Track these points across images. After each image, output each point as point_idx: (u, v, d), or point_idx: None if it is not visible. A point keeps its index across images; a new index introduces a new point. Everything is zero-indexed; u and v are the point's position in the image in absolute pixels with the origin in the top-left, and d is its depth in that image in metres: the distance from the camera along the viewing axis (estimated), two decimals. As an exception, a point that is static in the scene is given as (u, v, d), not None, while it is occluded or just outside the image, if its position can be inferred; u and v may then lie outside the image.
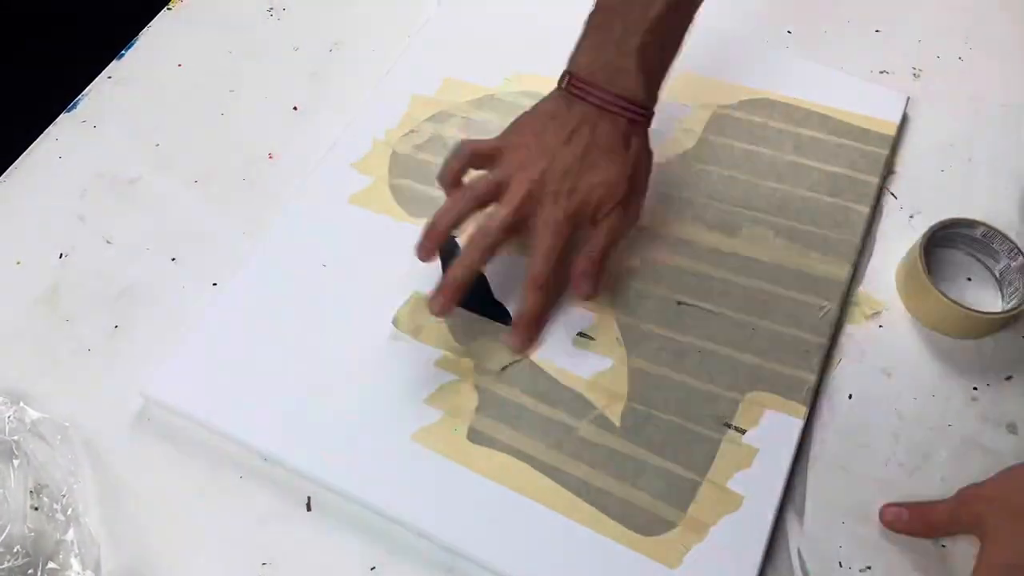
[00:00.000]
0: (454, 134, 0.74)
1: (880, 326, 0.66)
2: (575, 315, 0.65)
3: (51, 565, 0.57)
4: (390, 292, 0.67)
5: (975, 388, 0.63)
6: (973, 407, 0.63)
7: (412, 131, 0.74)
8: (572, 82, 0.63)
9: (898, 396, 0.63)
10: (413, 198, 0.71)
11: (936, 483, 0.60)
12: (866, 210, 0.69)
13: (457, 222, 0.62)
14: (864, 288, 0.67)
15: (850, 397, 0.63)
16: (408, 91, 0.77)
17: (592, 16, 0.63)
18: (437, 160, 0.72)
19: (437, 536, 0.58)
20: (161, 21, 0.84)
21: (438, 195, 0.71)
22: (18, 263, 0.71)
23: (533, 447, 0.60)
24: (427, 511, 0.58)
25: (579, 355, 0.64)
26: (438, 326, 0.65)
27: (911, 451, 0.61)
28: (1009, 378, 0.64)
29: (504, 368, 0.63)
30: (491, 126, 0.74)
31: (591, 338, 0.64)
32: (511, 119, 0.75)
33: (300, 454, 0.60)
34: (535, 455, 0.60)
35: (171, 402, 0.63)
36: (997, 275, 0.67)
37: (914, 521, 0.58)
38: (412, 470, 0.60)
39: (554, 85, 0.63)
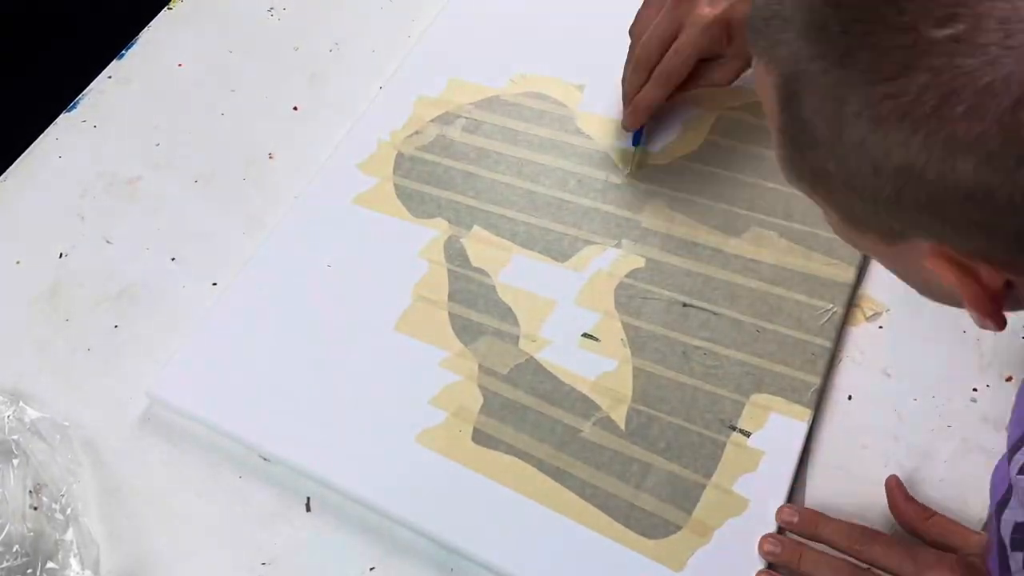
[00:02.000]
0: (459, 135, 0.74)
1: (880, 327, 0.66)
2: (580, 315, 0.65)
3: (50, 565, 0.57)
4: (394, 293, 0.67)
5: (975, 389, 0.64)
6: (973, 408, 0.63)
7: (417, 132, 0.75)
8: None
9: (898, 397, 0.63)
10: (418, 198, 0.71)
11: (935, 484, 0.60)
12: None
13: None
14: (865, 289, 0.68)
15: (850, 398, 0.63)
16: (413, 92, 0.77)
17: None
18: (442, 161, 0.73)
19: (441, 537, 0.58)
20: (161, 21, 0.84)
21: (443, 196, 0.71)
22: (18, 263, 0.71)
23: (537, 448, 0.60)
24: (431, 512, 0.58)
25: (584, 356, 0.64)
26: (442, 326, 0.65)
27: (911, 452, 0.61)
28: (1009, 379, 0.64)
29: (510, 370, 0.63)
30: (496, 128, 0.74)
31: (596, 339, 0.64)
32: (516, 121, 0.75)
33: (304, 455, 0.60)
34: (539, 457, 0.60)
35: (176, 403, 0.63)
36: None
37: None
38: (416, 471, 0.60)
39: (558, 86, 0.63)
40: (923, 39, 0.32)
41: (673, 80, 0.68)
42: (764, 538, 0.57)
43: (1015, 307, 0.40)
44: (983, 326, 0.40)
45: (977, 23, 0.31)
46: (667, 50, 0.67)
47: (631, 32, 0.70)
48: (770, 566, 0.57)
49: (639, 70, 0.69)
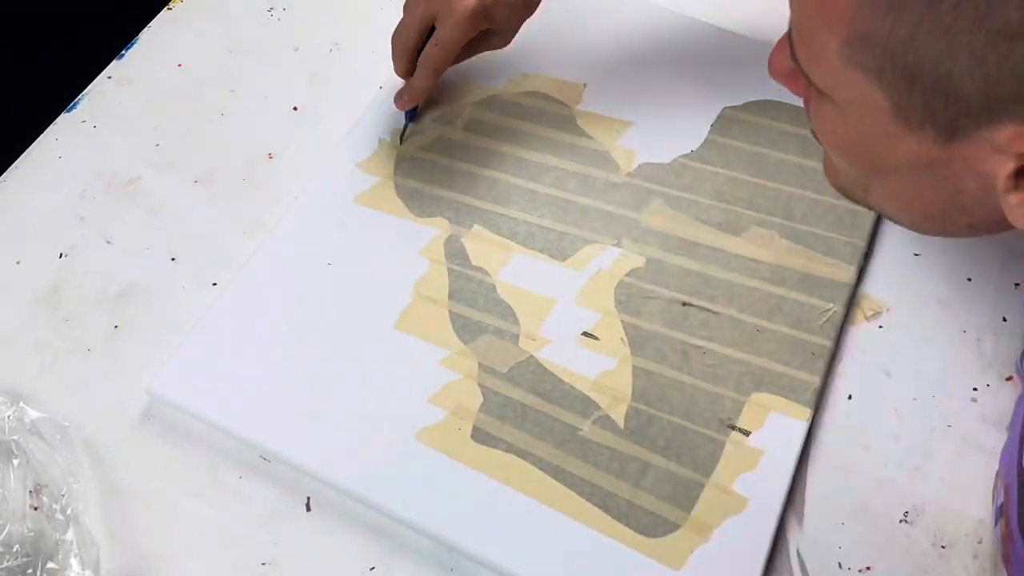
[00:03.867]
0: (459, 135, 0.74)
1: (880, 326, 0.66)
2: (580, 314, 0.65)
3: (51, 565, 0.57)
4: (394, 291, 0.67)
5: (975, 388, 0.63)
6: (973, 408, 0.63)
7: (418, 132, 0.75)
8: None
9: (898, 396, 0.63)
10: (418, 197, 0.71)
11: (936, 484, 0.60)
12: (873, 213, 0.69)
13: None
14: (865, 288, 0.68)
15: (850, 397, 0.63)
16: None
17: None
18: (443, 160, 0.73)
19: (441, 535, 0.58)
20: (161, 21, 0.84)
21: (443, 194, 0.71)
22: (18, 263, 0.71)
23: (537, 447, 0.60)
24: (431, 510, 0.58)
25: (584, 355, 0.64)
26: (442, 324, 0.65)
27: (911, 451, 0.61)
28: (1009, 379, 0.64)
29: (509, 368, 0.63)
30: (497, 127, 0.75)
31: (596, 338, 0.64)
32: (516, 120, 0.75)
33: (304, 453, 0.60)
34: (539, 455, 0.60)
35: (177, 400, 0.63)
36: None
37: None
38: (416, 469, 0.60)
39: (558, 86, 0.63)
40: None
41: (440, 69, 0.70)
42: None
43: None
44: None
45: None
46: (422, 37, 0.69)
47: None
48: (768, 562, 0.57)
49: (400, 59, 0.71)
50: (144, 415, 0.64)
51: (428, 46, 0.69)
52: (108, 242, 0.72)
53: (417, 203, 0.71)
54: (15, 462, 0.59)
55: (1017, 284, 0.68)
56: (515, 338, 0.65)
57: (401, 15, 0.70)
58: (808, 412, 0.61)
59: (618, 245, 0.68)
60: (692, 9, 0.81)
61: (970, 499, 0.59)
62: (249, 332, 0.65)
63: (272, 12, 0.84)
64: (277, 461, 0.61)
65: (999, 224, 0.42)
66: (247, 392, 0.63)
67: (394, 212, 0.71)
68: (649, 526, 0.57)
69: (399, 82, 0.78)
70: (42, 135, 0.77)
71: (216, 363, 0.64)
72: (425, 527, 0.58)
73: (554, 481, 0.59)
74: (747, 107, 0.75)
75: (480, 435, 0.61)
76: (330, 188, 0.72)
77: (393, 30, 0.71)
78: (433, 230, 0.69)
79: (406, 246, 0.69)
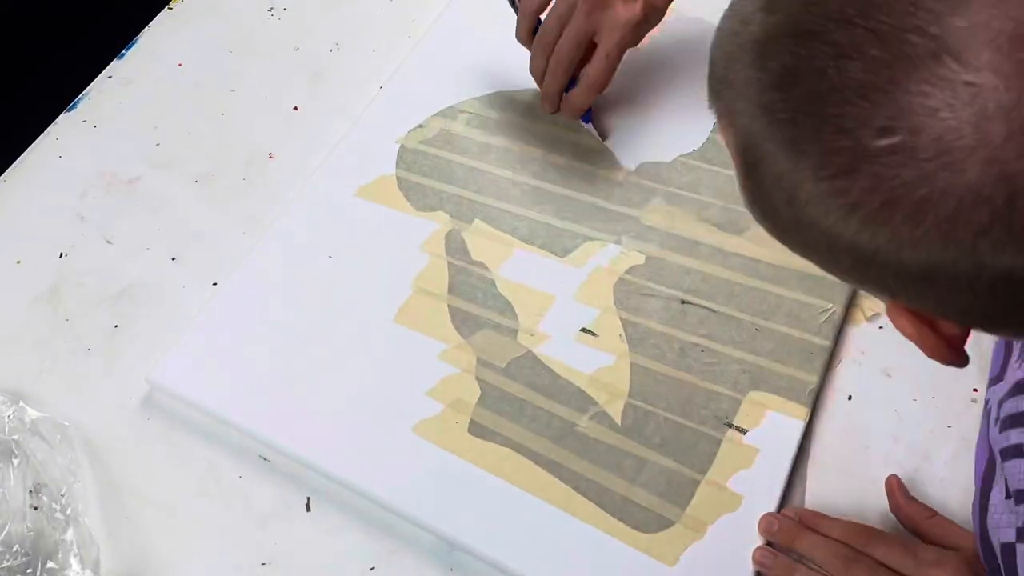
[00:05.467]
0: (462, 130, 0.74)
1: (880, 327, 0.66)
2: (579, 311, 0.66)
3: (50, 564, 0.57)
4: (394, 285, 0.67)
5: (975, 389, 0.63)
6: (973, 408, 0.63)
7: (420, 126, 0.75)
8: None
9: (898, 397, 0.63)
10: (420, 192, 0.72)
11: (935, 484, 0.60)
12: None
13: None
14: (865, 289, 0.67)
15: (850, 398, 0.63)
16: (417, 87, 0.77)
17: None
18: (444, 155, 0.73)
19: (436, 528, 0.58)
20: (161, 21, 0.84)
21: (445, 189, 0.72)
22: (18, 263, 0.71)
23: (534, 442, 0.60)
24: (427, 503, 0.58)
25: (582, 350, 0.64)
26: (441, 319, 0.65)
27: (911, 452, 0.61)
28: (1010, 378, 0.64)
29: (508, 363, 0.63)
30: (499, 123, 0.75)
31: (594, 334, 0.64)
32: (519, 116, 0.75)
33: (301, 444, 0.61)
34: (536, 450, 0.60)
35: (176, 390, 0.63)
36: None
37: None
38: (413, 462, 0.60)
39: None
40: (862, 146, 0.32)
41: (603, 84, 0.69)
42: (763, 517, 0.57)
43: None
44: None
45: (913, 137, 0.31)
46: (581, 50, 0.68)
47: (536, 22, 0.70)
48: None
49: (557, 72, 0.70)
50: (144, 415, 0.64)
51: (595, 61, 0.68)
52: (108, 242, 0.72)
53: (418, 197, 0.71)
54: (15, 462, 0.59)
55: (1017, 283, 0.67)
56: (514, 333, 0.65)
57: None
58: (806, 411, 0.61)
59: (618, 242, 0.68)
60: (695, 9, 0.81)
61: (970, 500, 0.59)
62: (249, 324, 0.66)
63: (272, 12, 0.84)
64: (274, 452, 0.61)
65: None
66: (246, 383, 0.63)
67: (395, 206, 0.71)
68: (644, 522, 0.57)
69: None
70: (42, 135, 0.77)
71: (216, 354, 0.64)
72: (420, 519, 0.58)
73: (550, 476, 0.59)
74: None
75: (477, 429, 0.61)
76: (332, 181, 0.72)
77: (536, 42, 0.70)
78: (434, 224, 0.70)
79: (406, 240, 0.69)
